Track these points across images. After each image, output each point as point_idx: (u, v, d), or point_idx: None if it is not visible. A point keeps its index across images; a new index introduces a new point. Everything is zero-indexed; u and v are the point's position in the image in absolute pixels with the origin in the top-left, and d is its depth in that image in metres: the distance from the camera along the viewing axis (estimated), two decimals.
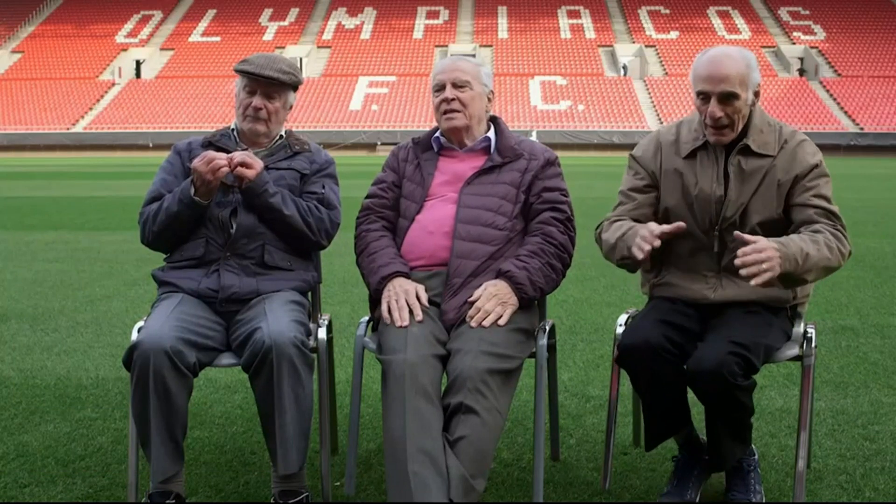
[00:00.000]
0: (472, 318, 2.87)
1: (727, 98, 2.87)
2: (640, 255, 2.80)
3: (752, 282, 2.64)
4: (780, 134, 2.99)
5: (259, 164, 3.07)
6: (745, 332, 2.80)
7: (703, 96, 2.91)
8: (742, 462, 3.01)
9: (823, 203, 2.91)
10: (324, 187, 3.23)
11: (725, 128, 2.91)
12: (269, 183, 3.08)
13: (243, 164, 3.02)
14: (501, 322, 2.86)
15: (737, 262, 2.67)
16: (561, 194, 3.14)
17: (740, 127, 2.94)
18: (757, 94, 2.95)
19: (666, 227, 2.84)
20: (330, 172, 3.29)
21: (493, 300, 2.90)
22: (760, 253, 2.66)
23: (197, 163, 3.01)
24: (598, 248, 3.10)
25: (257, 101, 3.17)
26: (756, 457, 3.08)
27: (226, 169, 3.01)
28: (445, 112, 3.16)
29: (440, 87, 3.18)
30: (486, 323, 2.85)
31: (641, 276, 3.23)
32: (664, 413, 2.94)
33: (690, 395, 2.92)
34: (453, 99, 3.14)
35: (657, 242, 2.81)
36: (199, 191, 3.03)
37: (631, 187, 3.10)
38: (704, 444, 3.05)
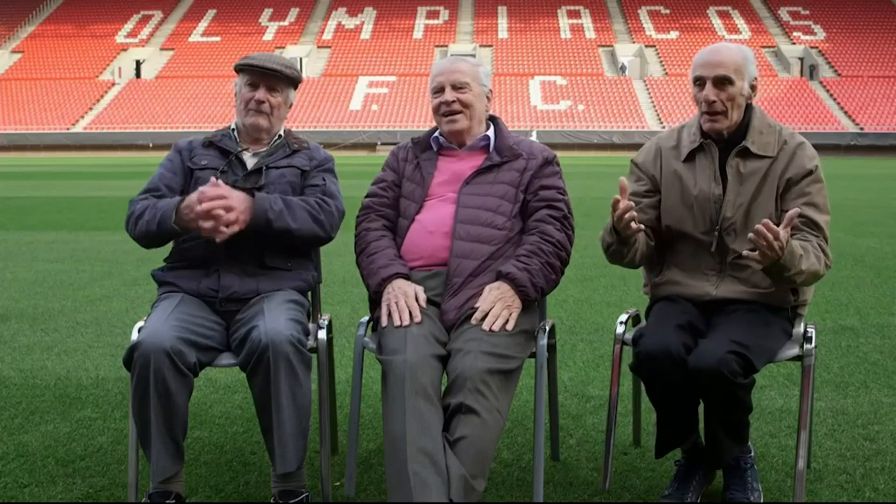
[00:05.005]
0: (478, 320, 2.86)
1: (721, 82, 2.93)
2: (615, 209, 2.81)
3: (752, 256, 2.66)
4: (780, 135, 3.02)
5: (241, 213, 2.95)
6: (745, 331, 2.81)
7: (700, 82, 2.98)
8: (739, 460, 3.02)
9: (813, 213, 2.92)
10: (324, 180, 3.23)
11: (719, 114, 2.96)
12: (268, 210, 2.99)
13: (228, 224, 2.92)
14: (509, 327, 2.86)
15: (757, 231, 2.64)
16: (558, 192, 3.13)
17: (734, 117, 2.98)
18: (753, 88, 3.01)
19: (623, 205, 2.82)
20: (329, 168, 3.29)
21: (498, 304, 2.89)
22: (778, 236, 2.64)
23: (200, 206, 2.92)
24: (601, 250, 3.10)
25: (260, 94, 3.17)
26: (753, 454, 3.09)
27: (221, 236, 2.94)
28: (446, 115, 3.16)
29: (439, 90, 3.17)
30: (496, 327, 2.84)
31: (644, 277, 3.23)
32: (677, 421, 2.93)
33: None
34: (454, 101, 3.13)
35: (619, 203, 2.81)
36: (180, 218, 2.97)
37: (632, 192, 3.10)
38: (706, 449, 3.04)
